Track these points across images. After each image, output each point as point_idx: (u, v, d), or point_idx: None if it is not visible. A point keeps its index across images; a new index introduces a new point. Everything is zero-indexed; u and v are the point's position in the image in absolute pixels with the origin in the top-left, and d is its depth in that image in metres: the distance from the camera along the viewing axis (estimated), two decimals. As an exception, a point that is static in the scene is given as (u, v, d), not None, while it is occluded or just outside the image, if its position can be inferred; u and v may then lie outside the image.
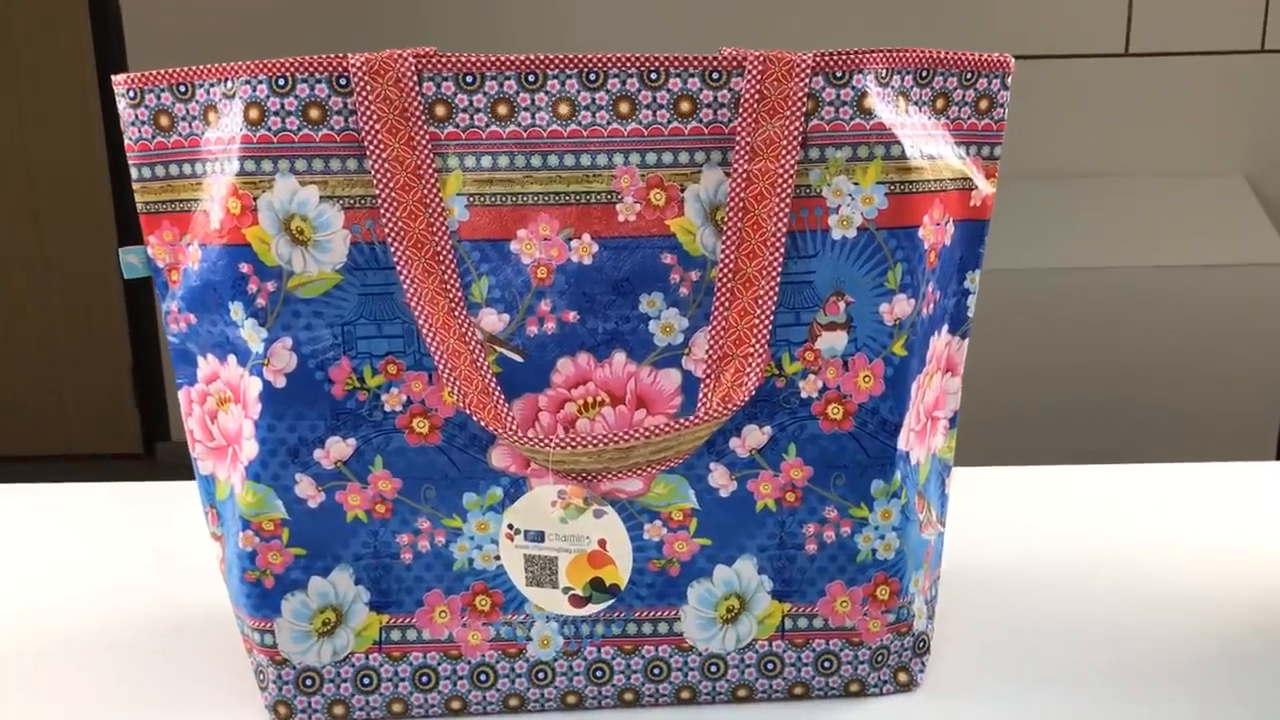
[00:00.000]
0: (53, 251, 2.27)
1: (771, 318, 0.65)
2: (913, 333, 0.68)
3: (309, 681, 0.70)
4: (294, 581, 0.69)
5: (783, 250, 0.64)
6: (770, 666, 0.71)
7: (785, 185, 0.64)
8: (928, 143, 0.67)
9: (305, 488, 0.67)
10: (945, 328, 0.71)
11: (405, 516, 0.68)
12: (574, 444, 0.61)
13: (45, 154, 2.28)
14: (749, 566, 0.69)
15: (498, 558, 0.69)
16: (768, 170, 0.64)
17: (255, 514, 0.68)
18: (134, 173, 0.67)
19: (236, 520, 0.69)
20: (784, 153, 0.64)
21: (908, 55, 0.66)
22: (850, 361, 0.67)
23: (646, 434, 0.61)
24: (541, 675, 0.70)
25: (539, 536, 0.65)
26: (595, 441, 0.61)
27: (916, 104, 0.66)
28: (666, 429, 0.62)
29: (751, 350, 0.64)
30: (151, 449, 2.51)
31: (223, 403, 0.70)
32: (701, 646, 0.70)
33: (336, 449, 0.67)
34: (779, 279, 0.65)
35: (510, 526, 0.66)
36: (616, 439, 0.60)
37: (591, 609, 0.65)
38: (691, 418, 0.62)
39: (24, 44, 2.27)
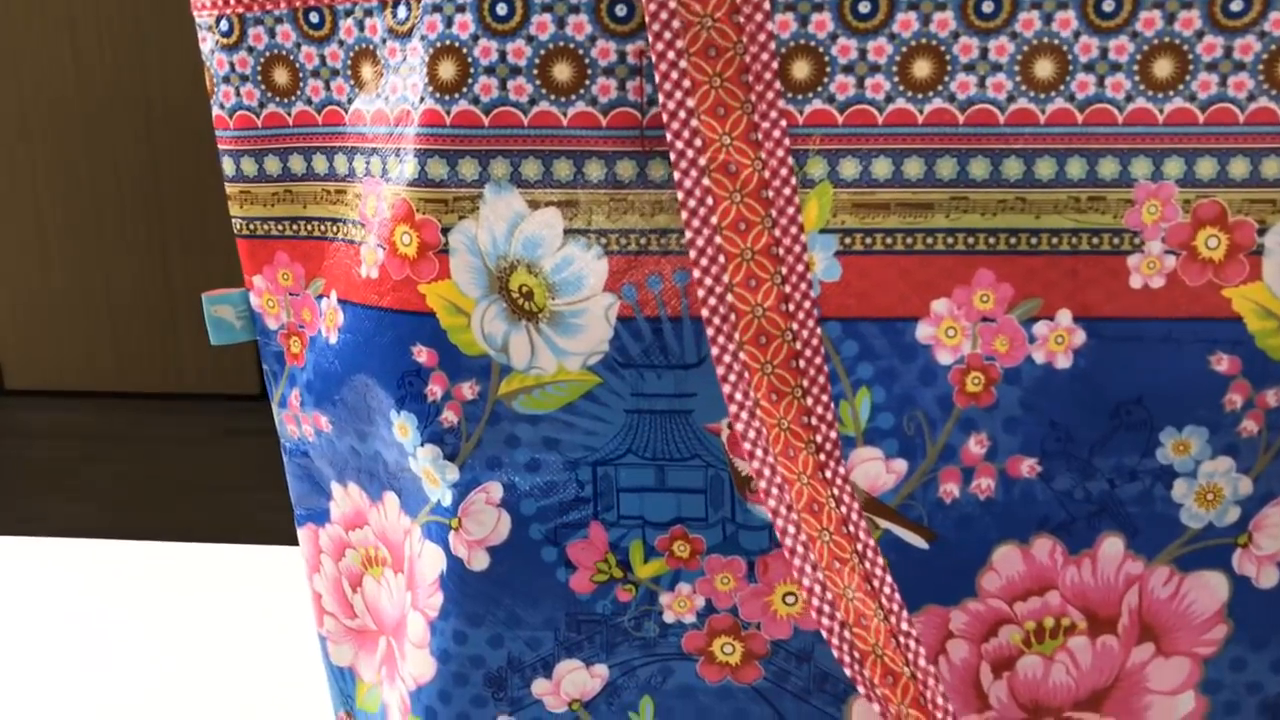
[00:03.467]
0: (167, 184, 2.03)
1: None
2: None
3: None
4: None
5: None
6: None
7: None
8: None
9: (514, 738, 0.38)
10: None
11: (686, 796, 0.39)
12: None
13: (165, 90, 2.05)
14: None
15: None
16: None
17: (426, 773, 0.39)
18: (227, 166, 0.38)
19: (393, 773, 0.40)
20: None
21: None
22: None
23: None
24: None
25: None
26: None
27: None
28: None
29: None
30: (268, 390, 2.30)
31: (373, 564, 0.41)
32: None
33: (574, 681, 0.37)
34: None
35: None
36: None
37: None
38: None
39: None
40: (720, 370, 0.31)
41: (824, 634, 0.30)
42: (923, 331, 0.34)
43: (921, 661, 0.31)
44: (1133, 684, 0.36)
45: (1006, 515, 0.35)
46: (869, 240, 0.34)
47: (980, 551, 0.35)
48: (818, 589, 0.30)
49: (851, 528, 0.31)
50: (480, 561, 0.36)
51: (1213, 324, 0.34)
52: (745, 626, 0.36)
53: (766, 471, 0.31)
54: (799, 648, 0.36)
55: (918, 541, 0.35)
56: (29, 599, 0.77)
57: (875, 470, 0.35)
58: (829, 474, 0.32)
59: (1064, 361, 0.34)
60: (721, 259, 0.31)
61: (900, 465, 0.34)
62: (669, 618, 0.36)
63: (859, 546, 0.31)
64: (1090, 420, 0.34)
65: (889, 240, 0.34)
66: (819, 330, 0.32)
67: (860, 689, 0.29)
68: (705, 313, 0.31)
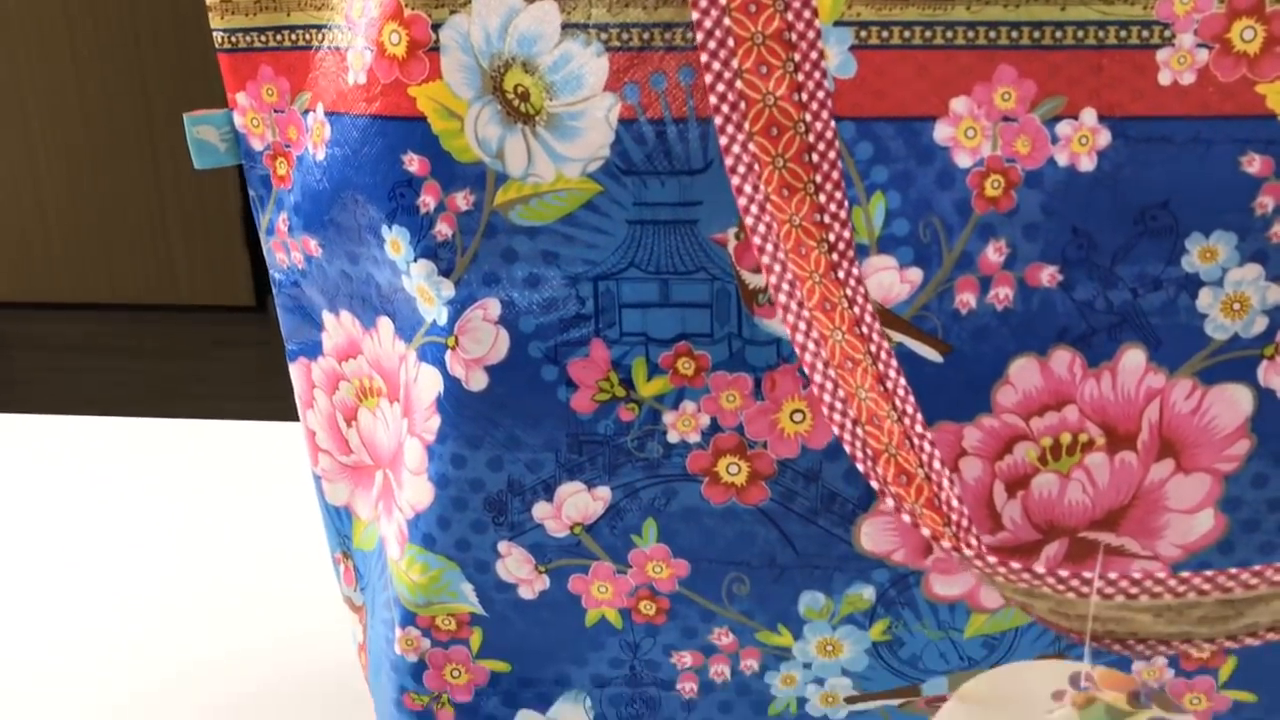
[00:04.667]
0: (157, 96, 2.00)
1: None
2: None
3: None
4: (489, 717, 0.40)
5: None
6: None
7: None
8: None
9: (515, 565, 0.37)
10: None
11: (690, 623, 0.38)
12: (1136, 589, 0.28)
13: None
14: (1319, 741, 0.38)
15: (850, 700, 0.38)
16: None
17: (425, 603, 0.38)
18: (211, -24, 0.36)
19: (392, 606, 0.40)
20: None
21: None
22: None
23: None
24: None
25: None
26: (1185, 585, 0.28)
27: None
28: None
29: None
30: (263, 302, 2.28)
31: (367, 395, 0.40)
32: None
33: (576, 504, 0.36)
34: None
35: None
36: (1239, 580, 0.27)
37: None
38: None
39: None
40: (729, 161, 0.30)
41: (835, 430, 0.29)
42: (941, 132, 0.32)
43: (936, 464, 0.30)
44: (1151, 502, 0.35)
45: (1024, 326, 0.33)
46: (886, 34, 0.32)
47: (996, 364, 0.34)
48: (829, 385, 0.29)
49: (865, 329, 0.30)
50: (478, 381, 0.35)
51: (1245, 122, 0.32)
52: (751, 446, 0.35)
53: (776, 268, 0.29)
54: (806, 467, 0.35)
55: (932, 355, 0.34)
56: (24, 475, 0.76)
57: (889, 280, 0.33)
58: (842, 274, 0.30)
59: (1087, 164, 0.32)
60: (730, 42, 0.29)
61: (915, 274, 0.33)
62: (673, 438, 0.35)
63: (872, 348, 0.30)
64: (1113, 226, 0.33)
65: (907, 34, 0.32)
66: (833, 123, 0.31)
67: (874, 483, 0.28)
68: (713, 100, 0.30)
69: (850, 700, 0.38)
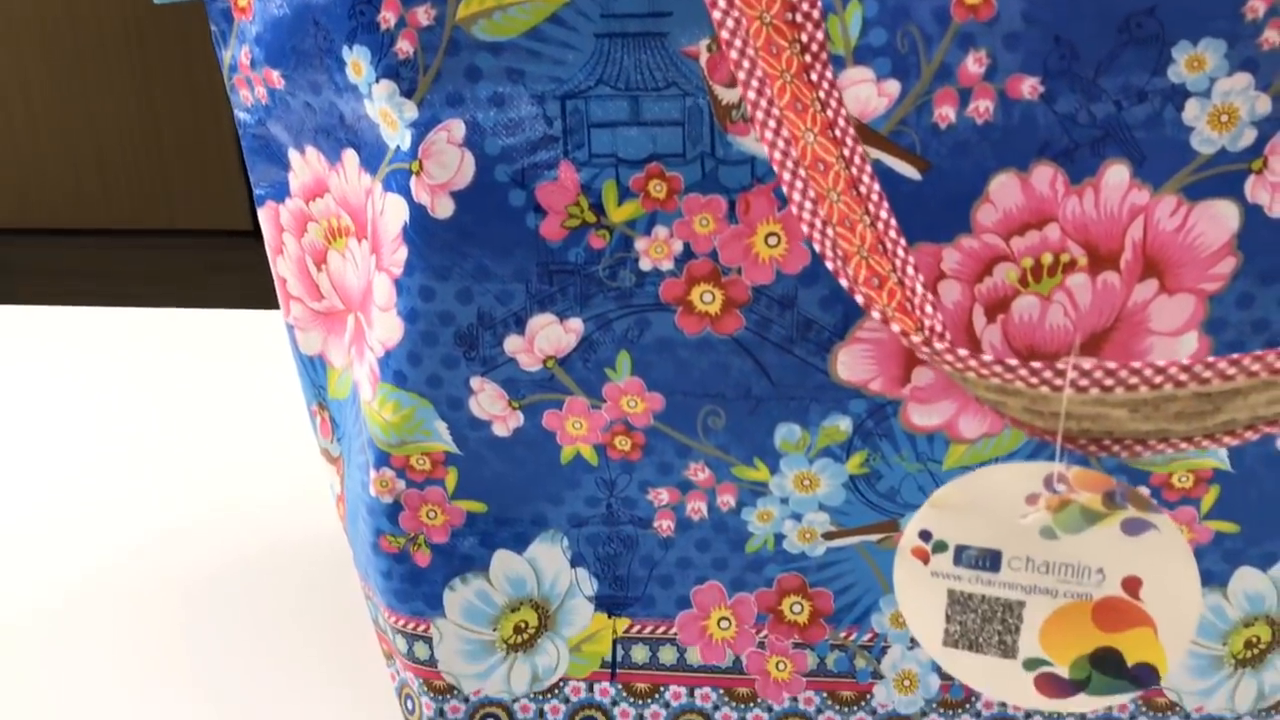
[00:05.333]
0: (148, 19, 1.96)
1: None
2: None
3: (491, 722, 0.41)
4: (466, 558, 0.39)
5: None
6: (1311, 742, 0.40)
7: None
8: None
9: (488, 401, 0.37)
10: None
11: (666, 459, 0.37)
12: (1111, 380, 0.27)
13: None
14: (1300, 572, 0.37)
15: (828, 537, 0.38)
16: None
17: (399, 442, 0.38)
18: None
19: (366, 449, 0.39)
20: None
21: None
22: None
23: None
24: (895, 735, 0.40)
25: (988, 561, 0.32)
26: (1161, 375, 0.27)
27: None
28: None
29: None
30: (259, 227, 2.26)
31: (336, 235, 0.39)
32: (1191, 705, 0.39)
33: (548, 336, 0.36)
34: None
35: (924, 534, 0.33)
36: (1216, 370, 0.26)
37: (1083, 705, 0.33)
38: None
39: None
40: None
41: (804, 229, 0.28)
42: (918, -63, 0.31)
43: (910, 270, 0.29)
44: (1134, 325, 0.34)
45: (1005, 141, 0.32)
46: None
47: (976, 181, 0.33)
48: (799, 185, 0.28)
49: (838, 133, 0.29)
50: (444, 208, 0.34)
51: (1236, -79, 0.31)
52: (725, 272, 0.34)
53: (746, 64, 0.28)
54: (782, 293, 0.34)
55: (909, 171, 0.33)
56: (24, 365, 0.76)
57: (866, 93, 0.32)
58: (815, 76, 0.29)
59: (1072, -32, 0.31)
60: None
61: (893, 87, 0.32)
62: (645, 265, 0.34)
63: (845, 153, 0.29)
64: (1097, 34, 0.31)
65: None
66: (802, -82, 0.29)
67: (843, 282, 0.28)
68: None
69: (828, 536, 0.38)
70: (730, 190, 0.33)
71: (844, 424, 0.36)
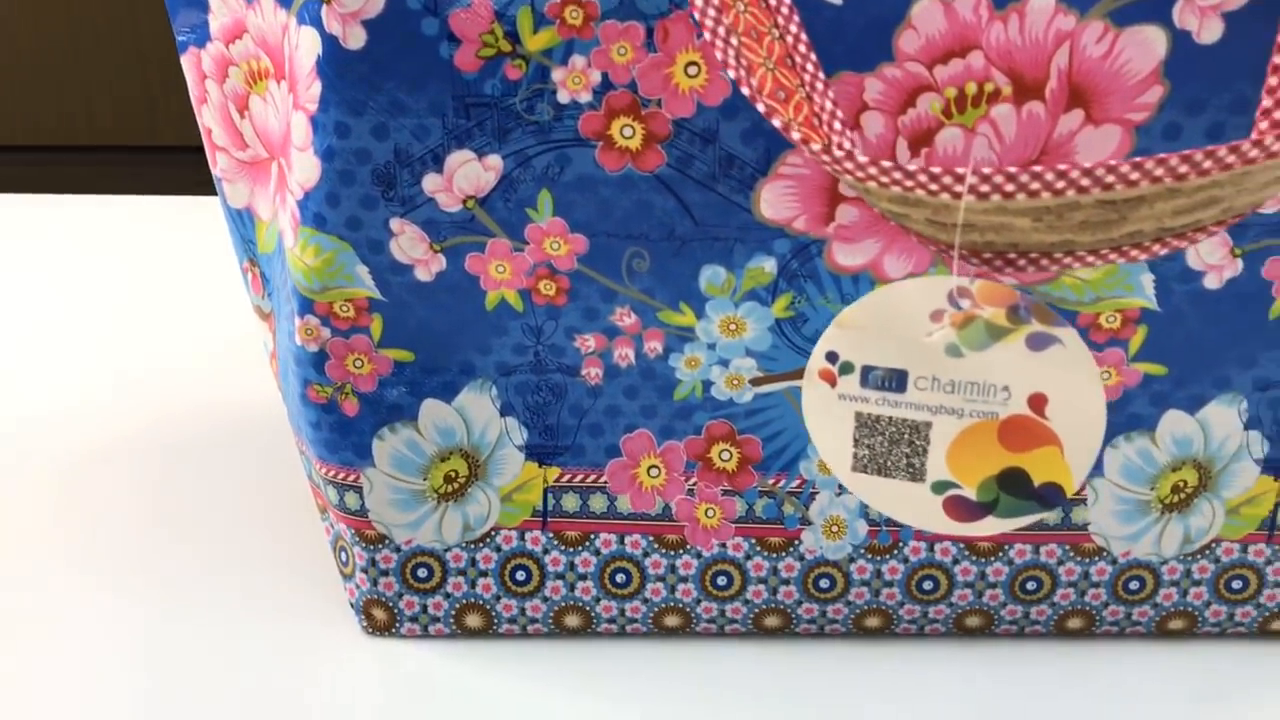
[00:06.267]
0: None
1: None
2: None
3: (422, 572, 0.41)
4: (394, 407, 0.39)
5: None
6: (1237, 586, 0.40)
7: None
8: None
9: (409, 244, 0.36)
10: None
11: (591, 303, 0.37)
12: (1012, 185, 0.27)
13: None
14: (1228, 416, 0.37)
15: (755, 383, 0.38)
16: None
17: (321, 288, 0.37)
18: None
19: (291, 297, 0.39)
20: None
21: None
22: None
23: (1200, 163, 0.26)
24: (824, 583, 0.40)
25: (894, 381, 0.32)
26: (1063, 180, 0.27)
27: None
28: (1250, 154, 0.27)
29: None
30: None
31: (256, 79, 0.38)
32: (1118, 549, 0.39)
33: (466, 174, 0.35)
34: None
35: (830, 355, 0.32)
36: (1118, 173, 0.26)
37: (991, 527, 0.33)
38: None
39: None
40: None
41: (706, 35, 0.27)
42: None
43: (820, 85, 0.28)
44: (1060, 157, 0.33)
45: (927, -37, 0.32)
46: None
47: (898, 6, 0.32)
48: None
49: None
50: (356, 38, 0.33)
51: None
52: (645, 104, 0.33)
53: None
54: (703, 127, 0.34)
55: (830, -4, 0.32)
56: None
57: (783, -88, 0.31)
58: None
59: None
60: None
61: (811, -94, 0.31)
62: (563, 97, 0.34)
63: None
64: None
65: None
66: None
67: (744, 90, 0.27)
68: None
69: (755, 382, 0.37)
70: (648, 16, 0.32)
71: (769, 265, 0.35)
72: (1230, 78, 0.32)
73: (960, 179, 0.25)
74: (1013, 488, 0.31)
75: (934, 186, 0.25)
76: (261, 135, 0.39)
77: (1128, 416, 0.37)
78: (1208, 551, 0.39)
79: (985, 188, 0.25)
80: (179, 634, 0.42)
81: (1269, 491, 0.38)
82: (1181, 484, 0.38)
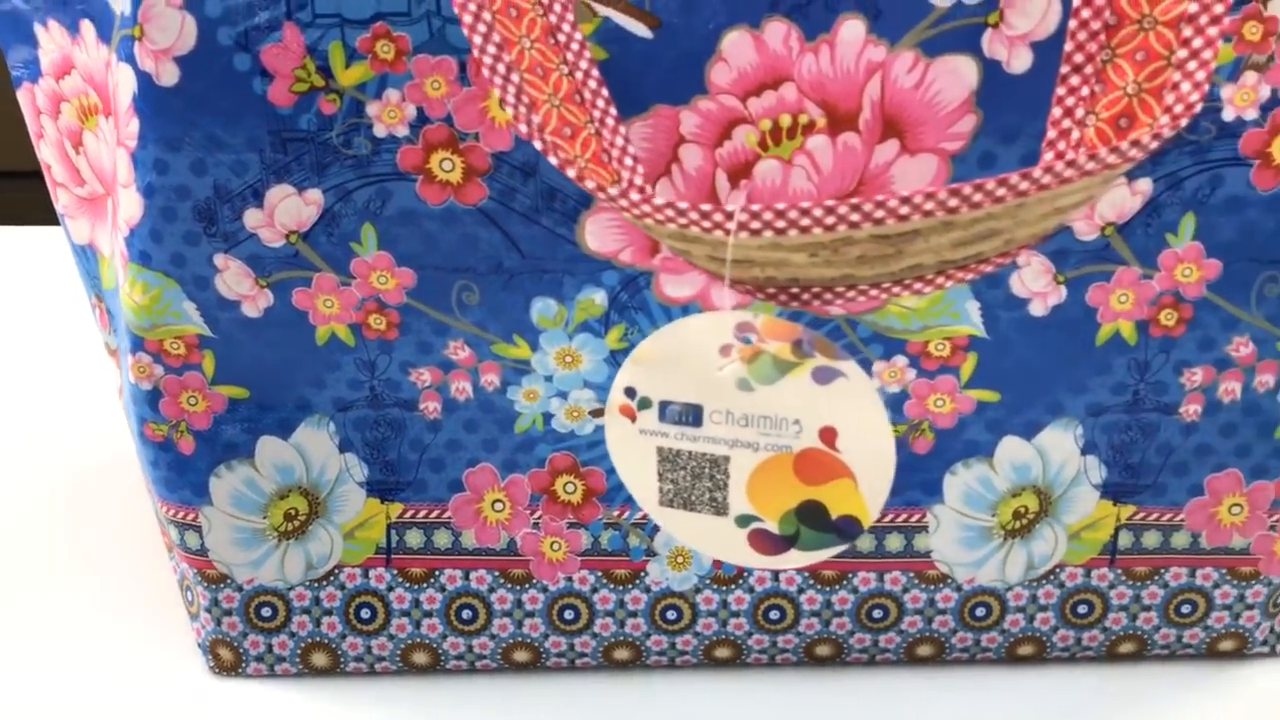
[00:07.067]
0: None
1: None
2: None
3: (266, 611, 0.41)
4: (230, 445, 0.38)
5: None
6: (1083, 610, 0.40)
7: None
8: None
9: (235, 280, 0.36)
10: None
11: (424, 337, 0.37)
12: (783, 221, 0.27)
13: None
14: (1064, 441, 0.37)
15: (595, 414, 0.37)
16: None
17: (151, 325, 0.37)
18: None
19: (125, 335, 0.38)
20: None
21: None
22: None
23: (970, 196, 0.27)
24: (672, 615, 0.40)
25: (690, 416, 0.32)
26: (833, 215, 0.27)
27: None
28: (1020, 186, 0.27)
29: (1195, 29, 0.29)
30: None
31: (88, 115, 0.38)
32: (962, 576, 0.39)
33: (287, 209, 0.35)
34: None
35: (629, 391, 0.32)
36: (888, 208, 0.26)
37: (795, 560, 0.33)
38: (1069, 162, 0.28)
39: None
40: None
41: (485, 72, 0.27)
42: None
43: (610, 121, 0.28)
44: (877, 187, 0.33)
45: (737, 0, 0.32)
46: None
47: (708, 39, 0.32)
48: (481, 29, 0.27)
49: (561, 13, 0.28)
50: (169, 75, 0.33)
51: None
52: (463, 138, 0.33)
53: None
54: (522, 160, 0.33)
55: (640, 30, 0.32)
56: None
57: (588, -54, 0.31)
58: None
59: None
60: None
61: (616, -61, 0.31)
62: (379, 131, 0.33)
63: (566, 37, 0.28)
64: (825, -118, 0.31)
65: None
66: None
67: (521, 127, 0.27)
68: None
69: (595, 414, 0.37)
70: (460, 51, 0.32)
71: (599, 297, 0.35)
72: (1041, 106, 0.33)
73: (730, 216, 0.25)
74: (811, 520, 0.30)
75: (706, 224, 0.25)
76: (96, 171, 0.39)
77: (965, 443, 0.37)
78: (1052, 577, 0.39)
79: (756, 224, 0.25)
80: (31, 671, 0.41)
81: (1108, 516, 0.38)
82: (1023, 510, 0.38)
